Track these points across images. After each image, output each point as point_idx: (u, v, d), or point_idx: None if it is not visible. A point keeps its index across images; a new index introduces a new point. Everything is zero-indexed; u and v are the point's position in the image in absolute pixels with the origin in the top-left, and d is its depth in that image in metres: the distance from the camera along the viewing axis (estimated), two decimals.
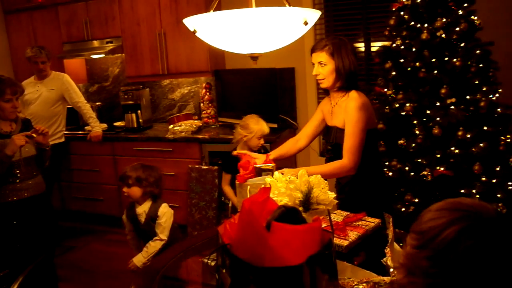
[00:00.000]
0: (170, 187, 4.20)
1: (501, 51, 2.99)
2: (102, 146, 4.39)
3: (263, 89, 3.98)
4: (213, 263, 1.76)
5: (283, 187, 1.55)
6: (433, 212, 0.87)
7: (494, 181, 2.74)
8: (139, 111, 4.45)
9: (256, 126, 3.12)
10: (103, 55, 4.62)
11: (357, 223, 2.00)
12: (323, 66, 2.25)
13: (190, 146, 4.06)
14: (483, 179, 2.75)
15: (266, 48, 1.73)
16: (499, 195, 2.72)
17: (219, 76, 4.31)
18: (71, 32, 4.69)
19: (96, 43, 4.60)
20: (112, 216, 4.54)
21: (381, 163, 2.61)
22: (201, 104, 4.52)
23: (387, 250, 1.66)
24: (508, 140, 2.86)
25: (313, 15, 1.65)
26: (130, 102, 4.45)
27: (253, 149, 3.04)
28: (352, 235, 1.87)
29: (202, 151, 4.04)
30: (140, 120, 4.46)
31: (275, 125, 3.89)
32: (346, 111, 2.23)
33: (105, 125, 4.63)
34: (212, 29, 1.66)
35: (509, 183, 2.79)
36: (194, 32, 1.68)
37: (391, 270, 1.55)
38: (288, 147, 2.54)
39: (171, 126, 4.21)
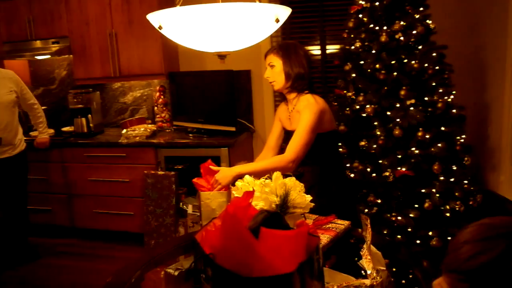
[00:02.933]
0: (124, 195, 4.03)
1: (453, 54, 3.08)
2: (49, 152, 4.14)
3: (220, 92, 3.90)
4: (176, 273, 1.66)
5: (258, 191, 1.48)
6: (471, 244, 0.73)
7: (452, 180, 2.80)
8: (89, 115, 4.23)
9: None
10: (48, 56, 4.37)
11: (328, 226, 1.96)
12: (272, 68, 2.26)
13: (145, 151, 3.91)
14: (441, 178, 2.81)
15: (235, 46, 1.66)
16: (457, 194, 2.78)
17: (174, 79, 4.18)
18: (11, 30, 4.39)
19: (40, 43, 4.34)
20: (62, 227, 4.29)
21: (343, 165, 2.59)
22: (155, 108, 4.37)
23: (363, 251, 1.63)
24: (462, 140, 2.94)
25: (284, 12, 1.60)
26: (80, 106, 4.22)
27: None
28: (324, 238, 1.82)
29: (158, 156, 3.90)
30: (91, 125, 4.24)
31: (233, 129, 3.82)
32: (302, 113, 2.21)
33: (52, 131, 4.37)
34: (178, 25, 1.57)
35: (465, 182, 2.86)
36: (160, 28, 1.58)
37: (369, 272, 1.52)
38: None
39: (124, 130, 4.04)
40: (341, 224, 1.99)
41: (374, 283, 1.44)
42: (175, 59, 4.29)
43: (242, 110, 4.25)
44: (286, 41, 2.31)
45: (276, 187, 1.46)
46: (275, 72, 2.26)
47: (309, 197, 1.50)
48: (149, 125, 4.21)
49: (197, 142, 3.80)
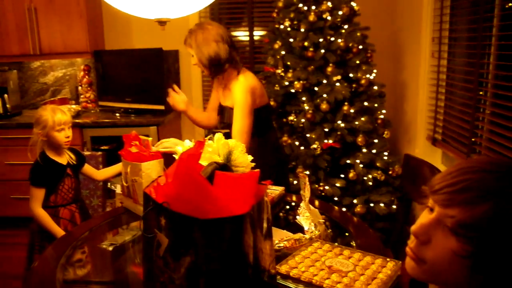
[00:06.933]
0: None
1: (375, 36, 3.29)
2: None
3: (148, 70, 3.84)
4: (111, 248, 1.65)
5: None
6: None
7: (374, 151, 3.01)
8: (5, 95, 3.97)
9: (50, 116, 2.36)
10: None
11: None
12: (194, 58, 2.29)
13: None
14: (364, 150, 3.01)
15: (175, 13, 1.67)
16: (378, 164, 3.00)
17: (100, 57, 4.04)
18: None
19: None
20: None
21: (277, 136, 2.69)
22: (79, 88, 4.21)
23: (300, 210, 1.73)
24: (382, 116, 3.16)
25: None
26: None
27: (62, 147, 2.43)
28: None
29: (84, 136, 3.77)
30: (8, 106, 3.99)
31: (162, 107, 3.80)
32: (233, 94, 2.27)
33: None
34: None
35: (385, 154, 3.09)
36: None
37: (306, 228, 1.62)
38: (202, 117, 2.65)
39: None
40: (276, 189, 2.08)
41: (313, 236, 1.55)
42: (101, 36, 4.15)
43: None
44: (196, 27, 2.25)
45: (218, 147, 1.51)
46: (196, 62, 2.29)
47: (250, 157, 1.56)
48: (73, 106, 4.04)
49: (124, 121, 3.73)
